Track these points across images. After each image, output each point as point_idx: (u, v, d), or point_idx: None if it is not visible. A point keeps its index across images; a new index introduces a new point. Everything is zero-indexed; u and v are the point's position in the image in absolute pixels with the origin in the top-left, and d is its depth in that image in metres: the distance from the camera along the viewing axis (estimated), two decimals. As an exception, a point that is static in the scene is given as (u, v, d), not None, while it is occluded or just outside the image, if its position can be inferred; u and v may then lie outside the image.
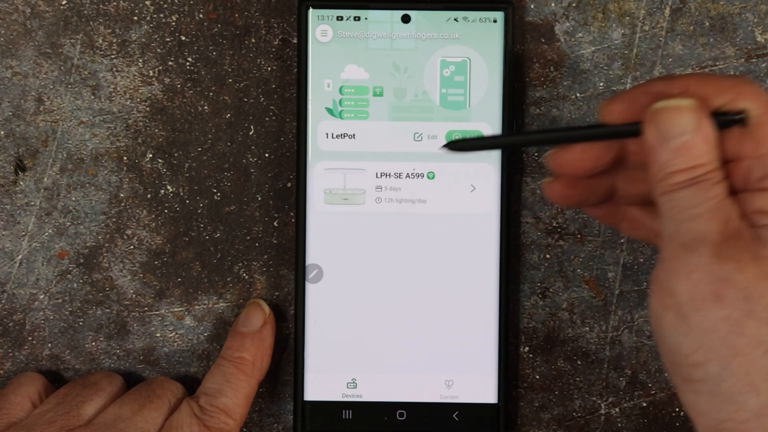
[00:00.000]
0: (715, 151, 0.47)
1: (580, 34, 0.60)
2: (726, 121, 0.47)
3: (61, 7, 0.60)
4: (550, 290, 0.61)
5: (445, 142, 0.52)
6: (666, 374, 0.61)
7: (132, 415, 0.57)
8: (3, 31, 0.60)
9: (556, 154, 0.52)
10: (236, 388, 0.59)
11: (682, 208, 0.47)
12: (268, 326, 0.60)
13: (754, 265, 0.46)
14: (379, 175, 0.59)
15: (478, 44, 0.59)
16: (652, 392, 0.62)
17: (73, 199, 0.61)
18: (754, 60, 0.60)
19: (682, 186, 0.47)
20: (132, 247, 0.61)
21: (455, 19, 0.58)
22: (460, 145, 0.52)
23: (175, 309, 0.62)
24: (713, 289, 0.45)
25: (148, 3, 0.60)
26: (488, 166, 0.59)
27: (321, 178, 0.59)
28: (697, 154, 0.47)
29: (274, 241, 0.61)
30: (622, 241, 0.61)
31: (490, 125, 0.59)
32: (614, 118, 0.50)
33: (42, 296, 0.61)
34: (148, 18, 0.60)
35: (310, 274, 0.60)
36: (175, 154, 0.61)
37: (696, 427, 0.47)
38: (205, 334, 0.62)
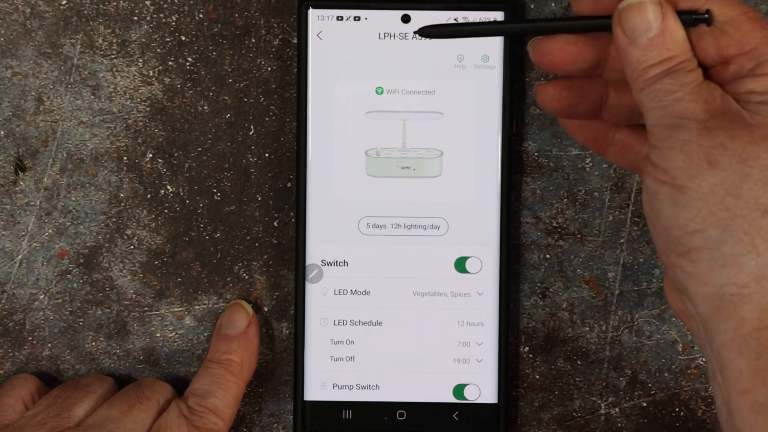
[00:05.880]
0: (685, 44, 0.49)
1: (580, 34, 0.60)
2: (690, 19, 0.49)
3: (61, 7, 0.60)
4: (550, 290, 0.61)
5: (418, 28, 0.52)
6: (661, 371, 0.61)
7: (121, 416, 0.57)
8: (3, 31, 0.60)
9: (538, 42, 0.52)
10: (225, 388, 0.59)
11: (663, 96, 0.48)
12: (253, 327, 0.60)
13: (745, 132, 0.47)
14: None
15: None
16: (652, 392, 0.62)
17: (73, 199, 0.61)
18: (754, 60, 0.60)
19: (658, 77, 0.48)
20: (132, 247, 0.61)
21: (455, 19, 0.58)
22: (433, 30, 0.52)
23: (175, 309, 0.62)
24: (708, 156, 0.46)
25: (148, 3, 0.60)
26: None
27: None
28: (666, 47, 0.48)
29: (274, 241, 0.61)
30: (622, 241, 0.61)
31: (492, 130, 0.59)
32: (584, 10, 0.52)
33: (42, 296, 0.61)
34: (148, 18, 0.60)
35: (310, 274, 0.60)
36: (175, 154, 0.61)
37: (695, 300, 0.47)
38: (205, 334, 0.62)
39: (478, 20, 0.58)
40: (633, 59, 0.49)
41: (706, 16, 0.49)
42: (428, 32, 0.52)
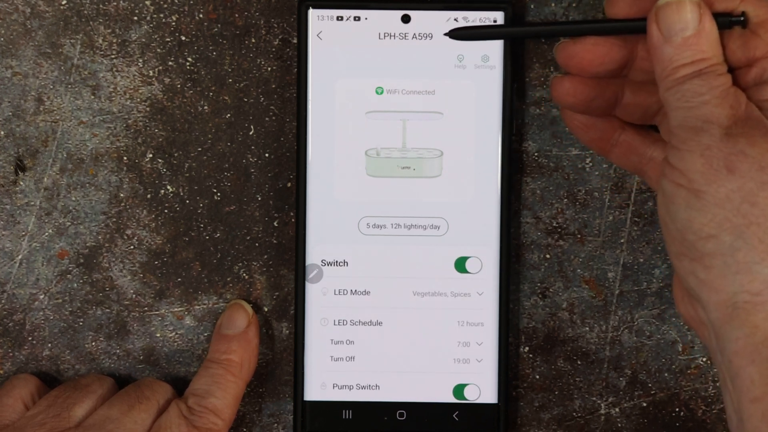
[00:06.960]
0: (718, 47, 0.49)
1: (580, 34, 0.60)
2: (727, 21, 0.49)
3: (61, 7, 0.60)
4: (550, 290, 0.61)
5: (448, 30, 0.52)
6: (663, 369, 0.61)
7: (121, 416, 0.57)
8: (3, 31, 0.60)
9: (565, 45, 0.52)
10: (225, 388, 0.59)
11: (690, 96, 0.48)
12: (253, 327, 0.60)
13: (765, 140, 0.47)
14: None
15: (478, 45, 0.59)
16: (652, 392, 0.62)
17: (73, 199, 0.61)
18: (754, 60, 0.60)
19: (688, 78, 0.48)
20: (132, 247, 0.61)
21: (455, 19, 0.58)
22: (464, 32, 0.52)
23: (175, 309, 0.62)
24: (727, 163, 0.46)
25: (148, 3, 0.60)
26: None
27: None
28: (700, 48, 0.48)
29: (274, 241, 0.61)
30: (622, 241, 0.61)
31: (492, 130, 0.59)
32: (618, 13, 0.51)
33: (42, 296, 0.61)
34: (148, 18, 0.60)
35: (310, 274, 0.60)
36: (175, 154, 0.61)
37: (707, 307, 0.47)
38: (205, 334, 0.62)
39: (479, 21, 0.58)
40: (665, 57, 0.48)
41: (742, 18, 0.49)
42: (458, 34, 0.52)
